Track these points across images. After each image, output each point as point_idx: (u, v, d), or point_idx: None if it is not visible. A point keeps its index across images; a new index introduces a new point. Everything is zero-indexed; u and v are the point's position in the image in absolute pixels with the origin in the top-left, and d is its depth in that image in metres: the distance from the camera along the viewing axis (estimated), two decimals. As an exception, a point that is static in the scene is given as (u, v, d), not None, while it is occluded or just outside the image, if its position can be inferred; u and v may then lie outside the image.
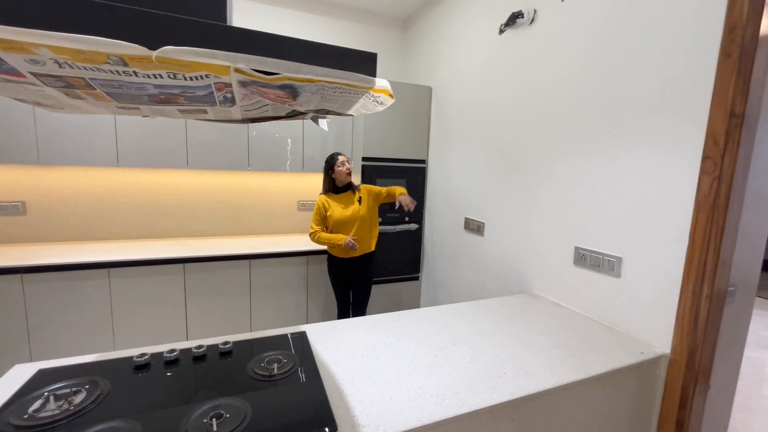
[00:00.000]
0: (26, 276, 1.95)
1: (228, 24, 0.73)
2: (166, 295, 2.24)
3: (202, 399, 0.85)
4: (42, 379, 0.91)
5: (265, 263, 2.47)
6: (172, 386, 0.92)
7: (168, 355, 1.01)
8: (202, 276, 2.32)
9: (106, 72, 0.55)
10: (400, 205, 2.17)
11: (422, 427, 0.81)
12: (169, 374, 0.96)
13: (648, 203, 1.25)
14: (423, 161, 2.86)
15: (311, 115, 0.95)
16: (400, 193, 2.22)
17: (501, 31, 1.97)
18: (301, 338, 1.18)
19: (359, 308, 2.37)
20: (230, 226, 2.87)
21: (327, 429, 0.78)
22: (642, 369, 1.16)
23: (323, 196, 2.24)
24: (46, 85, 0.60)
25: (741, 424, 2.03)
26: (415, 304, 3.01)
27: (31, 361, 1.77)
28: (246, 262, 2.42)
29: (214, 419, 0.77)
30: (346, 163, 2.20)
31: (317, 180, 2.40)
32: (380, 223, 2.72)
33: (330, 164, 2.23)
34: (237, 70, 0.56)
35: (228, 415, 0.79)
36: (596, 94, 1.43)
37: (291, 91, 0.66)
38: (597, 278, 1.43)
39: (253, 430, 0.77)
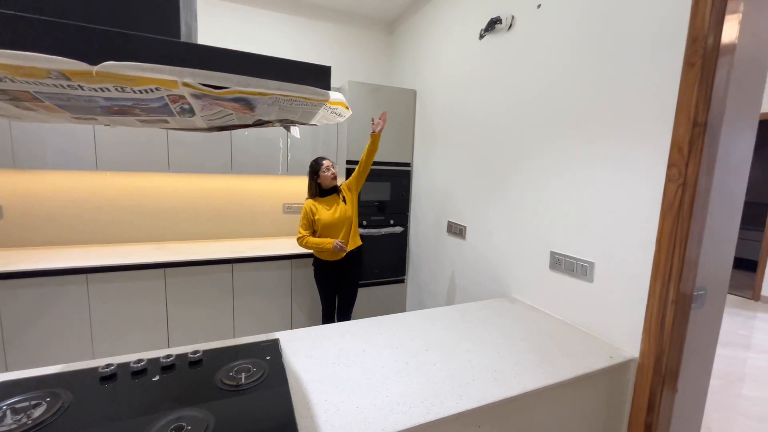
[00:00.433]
0: (1, 282, 1.91)
1: (189, 38, 0.73)
2: (147, 301, 2.22)
3: (166, 410, 0.85)
4: (0, 392, 0.89)
5: (249, 267, 2.46)
6: (136, 398, 0.91)
7: (135, 365, 1.00)
8: (184, 281, 2.29)
9: (49, 86, 0.54)
10: (378, 127, 2.18)
11: (386, 436, 0.81)
12: (135, 385, 0.95)
13: (618, 209, 1.27)
14: (408, 164, 2.87)
15: (278, 123, 0.95)
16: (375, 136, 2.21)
17: (481, 36, 1.98)
18: (274, 346, 1.17)
19: (345, 313, 2.37)
20: (214, 229, 2.84)
21: (289, 440, 0.78)
22: (611, 373, 1.18)
23: (310, 201, 2.24)
24: (-9, 97, 0.59)
25: (717, 423, 2.07)
26: (400, 306, 3.02)
27: (6, 371, 1.74)
28: (229, 266, 2.40)
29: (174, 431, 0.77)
30: (331, 168, 2.20)
31: (302, 183, 2.40)
32: (365, 226, 2.73)
33: (315, 169, 2.23)
34: (185, 84, 0.56)
35: (189, 427, 0.79)
36: (569, 101, 1.45)
37: (246, 103, 0.66)
38: (571, 282, 1.45)
39: (214, 443, 0.76)
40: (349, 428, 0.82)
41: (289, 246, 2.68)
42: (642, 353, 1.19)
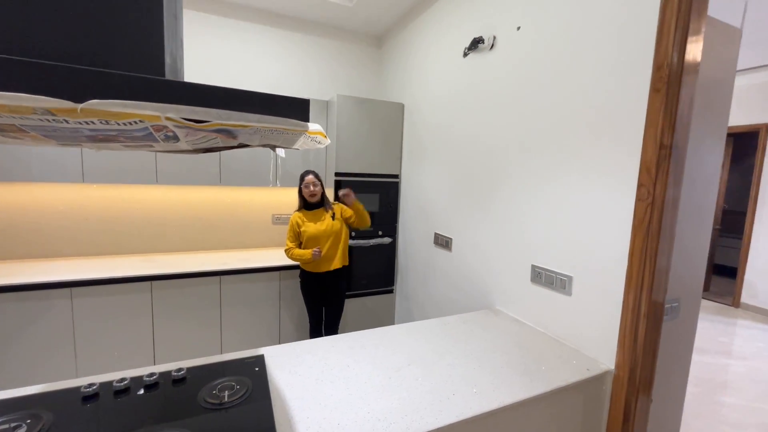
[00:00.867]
0: (-19, 297, 1.88)
1: (174, 68, 0.75)
2: (133, 314, 2.20)
3: (147, 430, 0.85)
4: (-20, 414, 0.89)
5: (237, 279, 2.45)
6: (118, 418, 0.92)
7: (118, 384, 1.01)
8: (171, 294, 2.28)
9: (35, 120, 0.56)
10: (344, 195, 2.30)
11: (366, 452, 0.83)
12: (117, 404, 0.96)
13: (594, 226, 1.32)
14: (396, 176, 2.91)
15: (262, 146, 0.98)
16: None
17: (465, 54, 2.05)
18: (259, 362, 1.18)
19: (331, 326, 2.38)
20: (202, 241, 2.84)
21: (270, 459, 0.79)
22: (588, 385, 1.22)
23: (297, 213, 2.29)
24: (-24, 129, 0.61)
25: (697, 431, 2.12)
26: (389, 317, 3.03)
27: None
28: (216, 278, 2.39)
29: (155, 453, 0.77)
30: (311, 186, 2.23)
31: (292, 193, 2.42)
32: (355, 237, 2.75)
33: (300, 182, 2.27)
34: (168, 119, 0.58)
35: (171, 448, 0.79)
36: (547, 121, 1.51)
37: (228, 133, 0.69)
38: (551, 295, 1.49)
39: (194, 463, 0.77)
40: (330, 445, 0.84)
41: (278, 257, 2.68)
42: (617, 365, 1.23)
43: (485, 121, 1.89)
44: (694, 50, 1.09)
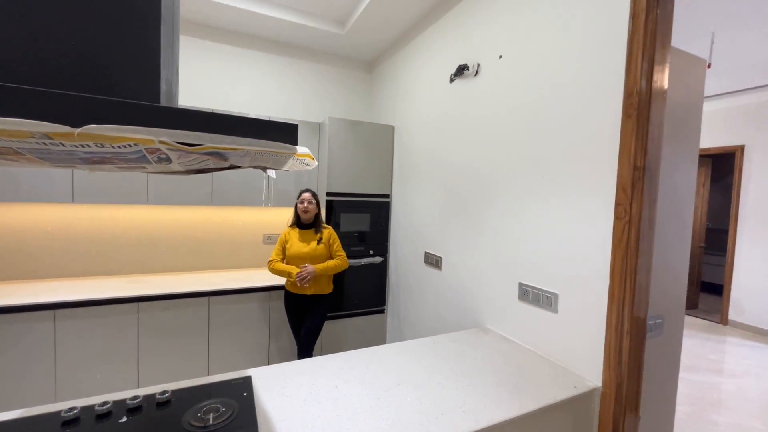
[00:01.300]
0: (-40, 321, 1.83)
1: (169, 94, 0.79)
2: (117, 337, 2.15)
3: (129, 456, 0.83)
4: (-45, 441, 0.86)
5: (225, 300, 2.43)
6: (99, 443, 0.89)
7: (100, 408, 0.98)
8: (158, 315, 2.24)
9: (32, 143, 0.59)
10: (301, 280, 2.17)
11: (352, 475, 0.82)
12: (99, 429, 0.94)
13: (578, 244, 1.36)
14: (387, 196, 2.95)
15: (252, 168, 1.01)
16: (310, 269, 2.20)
17: (451, 80, 2.14)
18: (246, 384, 1.17)
19: (305, 349, 2.30)
20: (192, 261, 2.81)
21: (254, 482, 0.78)
22: (576, 403, 1.22)
23: (288, 229, 2.32)
24: (-28, 151, 0.63)
25: (690, 450, 2.10)
26: (380, 337, 3.00)
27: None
28: (205, 299, 2.37)
29: (136, 478, 0.76)
30: (305, 202, 2.27)
31: (284, 213, 2.44)
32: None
33: (297, 197, 2.32)
34: (162, 142, 0.61)
35: (152, 473, 0.78)
36: (530, 145, 1.58)
37: (219, 156, 0.72)
38: (538, 313, 1.51)
39: (177, 488, 0.75)
40: (316, 468, 0.83)
41: (268, 277, 2.66)
42: (604, 382, 1.24)
43: (471, 143, 1.96)
44: (661, 78, 1.17)
